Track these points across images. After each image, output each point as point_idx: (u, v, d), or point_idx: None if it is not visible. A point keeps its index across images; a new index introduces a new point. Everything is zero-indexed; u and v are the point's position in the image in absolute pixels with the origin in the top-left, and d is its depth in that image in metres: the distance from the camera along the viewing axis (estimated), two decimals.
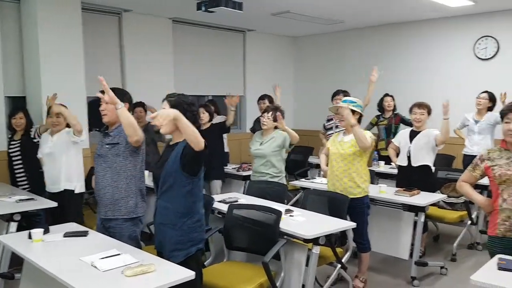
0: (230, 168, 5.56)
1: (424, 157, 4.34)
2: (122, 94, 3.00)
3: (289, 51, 8.45)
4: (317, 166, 5.97)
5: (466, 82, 6.34)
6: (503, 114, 2.53)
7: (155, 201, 2.61)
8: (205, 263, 3.29)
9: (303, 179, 4.93)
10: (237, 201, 3.67)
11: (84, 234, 2.80)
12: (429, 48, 6.81)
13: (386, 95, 6.05)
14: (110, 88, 2.77)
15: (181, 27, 6.67)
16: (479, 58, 6.31)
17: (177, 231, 2.49)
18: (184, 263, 2.37)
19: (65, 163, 3.98)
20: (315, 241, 2.96)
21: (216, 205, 3.55)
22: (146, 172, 3.24)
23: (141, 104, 5.63)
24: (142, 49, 6.19)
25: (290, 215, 3.30)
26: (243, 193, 4.35)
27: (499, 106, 5.07)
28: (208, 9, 4.52)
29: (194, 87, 6.92)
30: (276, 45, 8.19)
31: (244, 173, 5.25)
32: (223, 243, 3.32)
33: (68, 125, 4.05)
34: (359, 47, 7.60)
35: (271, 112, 4.25)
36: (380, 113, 6.05)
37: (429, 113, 4.37)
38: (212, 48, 7.18)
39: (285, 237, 3.03)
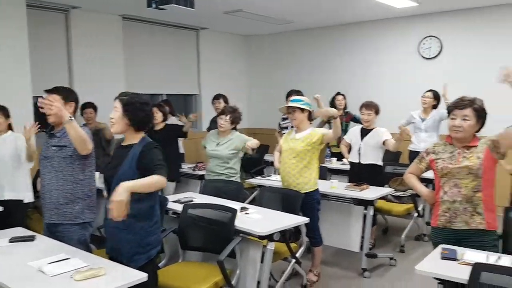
0: (185, 167, 5.53)
1: (373, 156, 4.52)
2: (67, 93, 2.91)
3: (243, 50, 8.49)
4: (273, 164, 6.04)
5: (412, 81, 6.62)
6: (449, 111, 2.65)
7: (105, 204, 2.55)
8: (159, 265, 3.25)
9: (259, 177, 4.97)
10: (192, 200, 3.66)
11: (31, 238, 2.70)
12: (377, 48, 7.05)
13: (338, 93, 6.24)
14: (56, 87, 2.67)
15: (131, 24, 6.53)
16: (424, 57, 6.61)
17: (135, 235, 2.45)
18: (144, 267, 2.34)
19: (10, 170, 3.80)
20: (269, 237, 3.01)
21: (171, 205, 3.51)
22: (97, 174, 3.16)
23: (90, 105, 5.46)
24: (91, 47, 6.00)
25: (246, 213, 3.33)
26: (199, 193, 4.34)
27: (443, 104, 5.34)
28: (159, 6, 4.44)
29: (147, 86, 6.80)
30: (229, 43, 8.20)
31: (200, 173, 5.23)
32: (177, 244, 3.29)
33: (10, 127, 3.87)
34: (310, 47, 7.76)
35: (229, 115, 4.26)
36: None
37: (376, 112, 4.55)
38: (165, 46, 7.09)
39: (240, 235, 3.05)
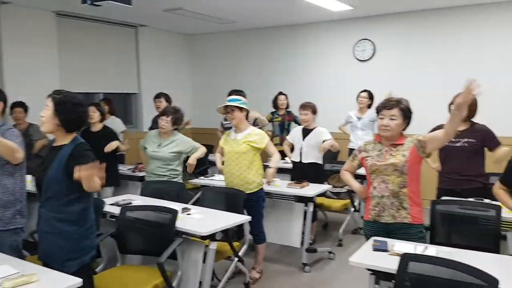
0: (125, 169, 5.39)
1: (314, 155, 4.68)
2: None
3: (185, 49, 8.40)
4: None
5: (348, 82, 6.89)
6: (378, 111, 2.79)
7: (38, 208, 2.44)
8: (96, 270, 3.15)
9: (202, 177, 4.96)
10: (130, 203, 3.58)
11: None
12: (315, 50, 7.27)
13: (280, 93, 6.36)
14: None
15: (66, 20, 6.24)
16: (358, 59, 6.91)
17: (67, 240, 2.35)
18: (77, 273, 2.25)
19: None
20: (212, 237, 3.02)
21: (108, 208, 3.42)
22: (29, 177, 3.01)
23: (20, 104, 5.17)
24: (23, 44, 5.68)
25: (188, 214, 3.32)
26: (140, 195, 4.24)
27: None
28: (94, 3, 4.30)
29: (83, 84, 6.55)
30: (171, 42, 8.09)
31: (141, 174, 5.13)
32: (115, 248, 3.21)
33: None
34: (253, 48, 7.85)
35: (170, 116, 4.19)
36: (274, 110, 6.32)
37: (313, 112, 4.70)
38: (102, 44, 6.85)
39: (184, 236, 3.04)
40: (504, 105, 5.75)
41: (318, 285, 3.91)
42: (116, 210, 3.30)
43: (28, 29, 5.74)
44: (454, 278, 2.07)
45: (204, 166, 6.24)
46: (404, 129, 2.76)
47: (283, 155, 5.65)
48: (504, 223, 3.03)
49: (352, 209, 4.99)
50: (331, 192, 5.03)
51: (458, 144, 3.65)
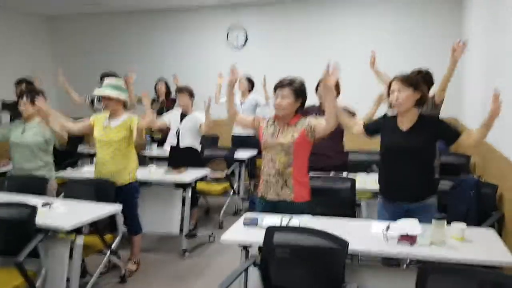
0: None
1: (190, 139, 4.65)
2: None
3: (45, 32, 7.69)
4: (90, 155, 5.70)
5: (225, 68, 6.95)
6: (274, 90, 2.85)
7: None
8: None
9: (69, 169, 4.61)
10: None
11: None
12: (191, 36, 7.21)
13: (159, 80, 6.19)
14: None
15: None
16: (233, 46, 7.03)
17: None
18: None
19: None
20: (78, 231, 2.83)
21: None
22: None
23: None
24: None
25: (50, 208, 3.06)
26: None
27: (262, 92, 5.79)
28: None
29: None
30: (28, 24, 7.32)
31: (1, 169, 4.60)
32: None
33: None
34: (121, 31, 7.51)
35: (27, 97, 3.70)
36: (156, 97, 6.15)
37: (191, 95, 4.68)
38: None
39: (48, 232, 2.80)
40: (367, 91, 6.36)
41: (196, 268, 3.92)
42: None
43: None
44: (313, 244, 2.24)
45: (74, 157, 5.82)
46: (299, 109, 2.85)
47: (161, 142, 5.58)
48: (359, 193, 3.38)
49: (231, 192, 5.10)
50: (211, 177, 5.08)
51: None
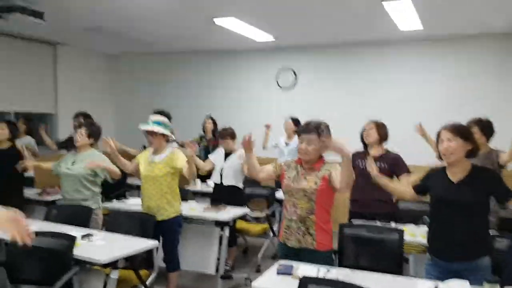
0: (32, 193, 5.00)
1: (233, 178, 4.65)
2: None
3: (106, 69, 8.13)
4: (138, 187, 5.81)
5: (274, 108, 7.03)
6: (298, 134, 2.81)
7: None
8: None
9: (115, 201, 4.72)
10: None
11: None
12: (242, 77, 7.38)
13: (207, 117, 6.33)
14: None
15: None
16: (281, 87, 7.09)
17: None
18: None
19: None
20: (113, 265, 2.83)
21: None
22: None
23: None
24: None
25: (89, 240, 3.10)
26: (44, 220, 3.91)
27: None
28: (0, 16, 4.03)
29: None
30: (91, 61, 7.79)
31: (50, 198, 4.79)
32: (5, 278, 2.91)
33: None
34: (176, 70, 7.79)
35: (85, 128, 3.91)
36: (203, 134, 6.26)
37: (232, 137, 4.75)
38: (15, 60, 6.42)
39: (83, 264, 2.82)
40: (415, 134, 6.13)
41: None
42: (6, 236, 3.01)
43: None
44: None
45: (121, 189, 5.96)
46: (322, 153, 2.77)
47: (204, 178, 5.63)
48: (407, 246, 3.15)
49: (271, 234, 4.98)
50: (251, 216, 5.01)
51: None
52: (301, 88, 6.98)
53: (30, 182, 5.41)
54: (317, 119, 2.81)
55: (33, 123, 5.99)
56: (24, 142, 5.44)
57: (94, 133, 3.95)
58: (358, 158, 3.84)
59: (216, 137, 6.23)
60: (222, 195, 4.61)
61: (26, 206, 4.73)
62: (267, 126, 6.04)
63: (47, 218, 3.81)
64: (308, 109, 6.24)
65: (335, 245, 2.87)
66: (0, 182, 4.47)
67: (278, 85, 7.11)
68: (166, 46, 7.12)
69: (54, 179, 4.39)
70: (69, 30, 5.95)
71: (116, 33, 5.95)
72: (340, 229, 3.20)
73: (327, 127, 2.79)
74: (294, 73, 7.01)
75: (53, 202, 4.61)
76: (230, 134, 4.73)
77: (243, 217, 4.77)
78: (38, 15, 4.26)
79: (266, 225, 4.95)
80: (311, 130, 2.72)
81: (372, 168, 2.94)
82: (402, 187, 2.96)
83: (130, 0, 4.42)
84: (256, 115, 7.12)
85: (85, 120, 5.25)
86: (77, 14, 5.03)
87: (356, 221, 3.65)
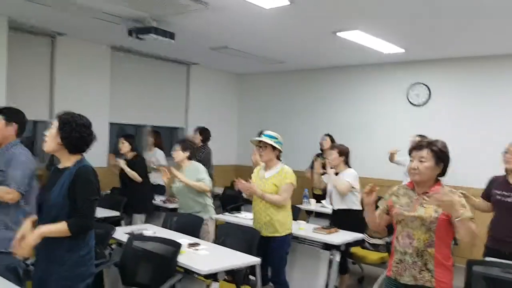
0: (158, 199, 5.39)
1: (342, 200, 4.36)
2: (12, 113, 2.84)
3: (234, 87, 8.50)
4: (251, 202, 5.88)
5: (401, 126, 6.49)
6: (409, 153, 2.49)
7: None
8: None
9: (227, 213, 4.81)
10: (142, 233, 3.48)
11: None
12: (366, 92, 6.99)
13: (325, 135, 6.15)
14: (3, 108, 2.61)
15: (120, 54, 6.50)
16: (412, 104, 6.52)
17: (62, 266, 2.28)
18: None
19: None
20: (214, 276, 2.81)
21: (120, 236, 3.34)
22: None
23: None
24: (75, 75, 5.94)
25: (195, 249, 3.15)
26: (162, 226, 4.15)
27: None
28: (138, 36, 4.47)
29: (132, 116, 6.77)
30: (220, 80, 8.23)
31: (171, 206, 5.09)
32: (119, 279, 3.09)
33: None
34: (302, 88, 7.73)
35: (180, 145, 4.18)
36: (320, 152, 6.10)
37: (341, 154, 4.44)
38: (154, 79, 7.08)
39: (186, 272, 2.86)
40: None
41: None
42: (123, 238, 3.21)
43: (82, 61, 6.00)
44: None
45: (238, 203, 6.08)
46: (439, 175, 2.41)
47: (319, 198, 5.43)
48: None
49: None
50: (369, 243, 4.63)
51: (510, 200, 3.20)
52: (435, 105, 6.32)
53: (159, 190, 5.83)
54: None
55: (160, 136, 6.44)
56: (153, 155, 5.93)
57: (188, 149, 4.20)
58: (497, 185, 3.28)
59: None
60: (337, 219, 4.36)
61: (154, 212, 5.12)
62: (392, 154, 5.56)
63: (164, 224, 4.04)
64: (442, 130, 5.62)
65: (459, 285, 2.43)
66: (130, 189, 4.90)
67: (409, 101, 6.56)
68: (290, 64, 7.15)
69: None
70: (197, 50, 6.34)
71: (241, 52, 6.15)
72: (468, 265, 2.73)
73: (444, 146, 2.41)
74: (428, 88, 6.41)
75: (174, 209, 4.88)
76: (339, 148, 4.46)
77: (360, 243, 4.42)
78: (170, 35, 4.60)
79: (385, 254, 4.52)
80: (423, 146, 2.38)
81: None
82: (482, 206, 2.44)
83: (252, 19, 4.51)
84: (384, 132, 6.68)
85: (200, 135, 5.61)
86: (204, 34, 5.33)
87: (487, 258, 3.09)
